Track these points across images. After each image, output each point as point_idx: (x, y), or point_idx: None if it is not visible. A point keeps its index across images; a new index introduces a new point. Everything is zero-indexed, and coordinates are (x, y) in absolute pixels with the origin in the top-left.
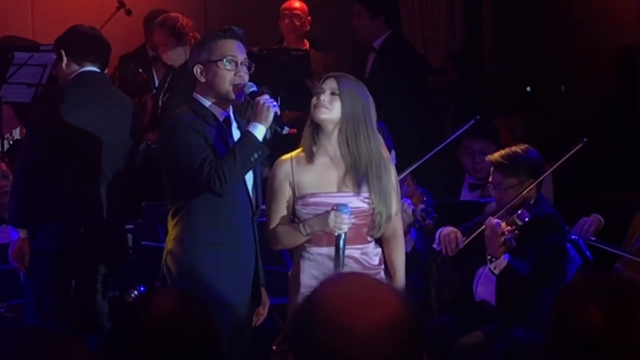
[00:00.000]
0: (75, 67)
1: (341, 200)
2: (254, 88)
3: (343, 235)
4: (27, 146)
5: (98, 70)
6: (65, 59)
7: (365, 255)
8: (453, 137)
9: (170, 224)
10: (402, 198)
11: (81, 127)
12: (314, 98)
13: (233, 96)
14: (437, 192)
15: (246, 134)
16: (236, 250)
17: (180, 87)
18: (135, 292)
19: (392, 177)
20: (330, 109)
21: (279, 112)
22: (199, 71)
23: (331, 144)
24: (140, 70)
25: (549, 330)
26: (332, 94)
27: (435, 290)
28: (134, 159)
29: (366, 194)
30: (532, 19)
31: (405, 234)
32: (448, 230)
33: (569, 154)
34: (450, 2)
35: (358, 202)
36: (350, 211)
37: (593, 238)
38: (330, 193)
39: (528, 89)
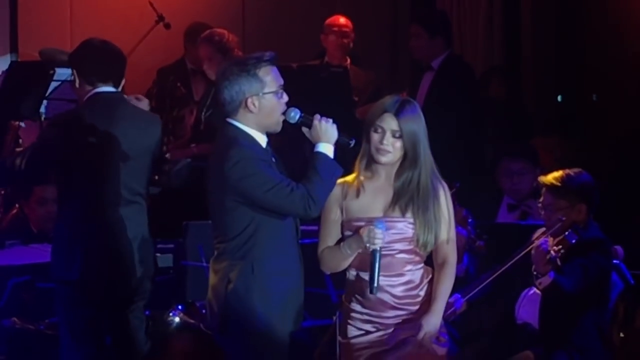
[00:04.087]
0: (88, 87)
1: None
2: (299, 114)
3: (378, 251)
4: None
5: (112, 89)
6: (77, 80)
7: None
8: None
9: (230, 257)
10: None
11: (91, 151)
12: (376, 139)
13: (280, 126)
14: (475, 212)
15: (319, 155)
16: (295, 276)
17: None
18: (173, 312)
19: (442, 207)
20: (393, 152)
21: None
22: (252, 103)
23: (385, 172)
24: (179, 84)
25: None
26: (394, 136)
27: (477, 313)
28: (153, 176)
29: (411, 220)
30: (573, 30)
31: (459, 261)
32: None
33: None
34: (488, 18)
35: (403, 227)
36: (385, 226)
37: None
38: (375, 218)
39: (559, 98)
